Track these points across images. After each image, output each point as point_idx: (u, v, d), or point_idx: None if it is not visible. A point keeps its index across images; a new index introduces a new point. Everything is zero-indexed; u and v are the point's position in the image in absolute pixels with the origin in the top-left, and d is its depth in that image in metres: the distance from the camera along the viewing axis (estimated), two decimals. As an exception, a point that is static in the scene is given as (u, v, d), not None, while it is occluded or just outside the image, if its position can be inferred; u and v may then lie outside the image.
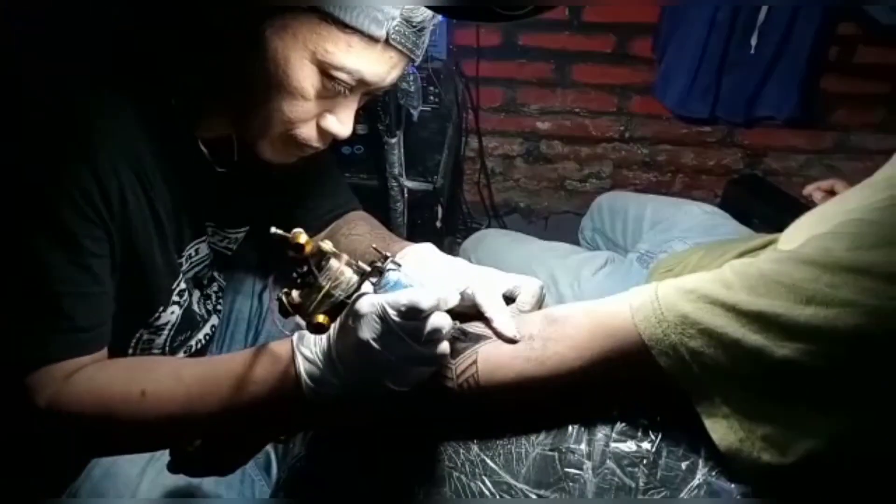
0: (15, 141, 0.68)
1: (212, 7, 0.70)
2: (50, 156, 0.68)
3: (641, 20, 1.96)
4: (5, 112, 0.70)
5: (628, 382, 0.66)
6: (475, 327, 0.74)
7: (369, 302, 0.62)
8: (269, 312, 1.26)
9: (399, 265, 0.64)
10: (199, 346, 1.04)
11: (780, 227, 1.57)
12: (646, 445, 0.64)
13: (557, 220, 2.41)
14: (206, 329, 1.07)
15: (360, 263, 0.63)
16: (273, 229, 0.60)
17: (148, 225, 0.79)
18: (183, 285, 0.92)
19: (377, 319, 0.62)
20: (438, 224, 1.62)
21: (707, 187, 2.28)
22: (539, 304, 0.77)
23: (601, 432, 0.66)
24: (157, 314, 0.88)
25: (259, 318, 1.25)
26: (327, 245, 0.62)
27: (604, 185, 2.30)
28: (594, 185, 2.32)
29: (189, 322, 0.98)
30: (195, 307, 1.02)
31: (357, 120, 0.84)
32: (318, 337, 0.68)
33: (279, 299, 0.63)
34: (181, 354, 1.01)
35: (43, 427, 0.73)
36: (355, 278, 0.63)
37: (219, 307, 1.12)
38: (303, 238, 0.60)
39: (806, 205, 1.89)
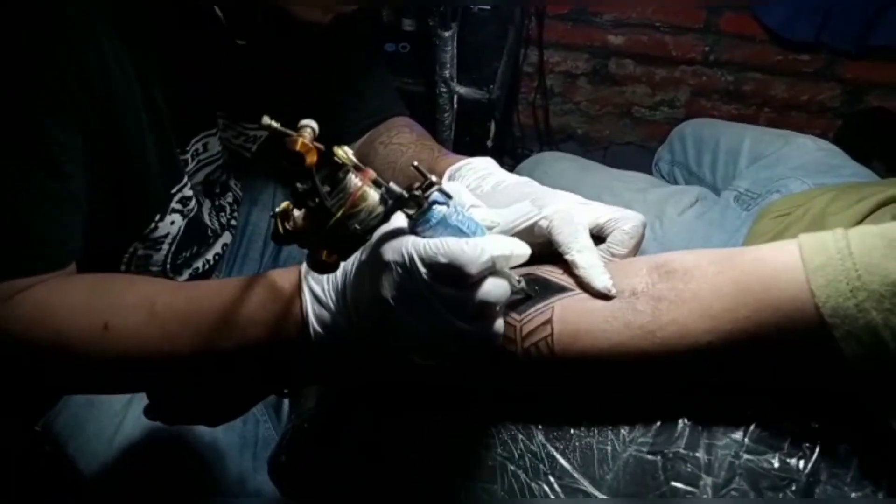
0: None
1: None
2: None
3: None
4: None
5: (778, 368, 0.45)
6: (550, 272, 0.54)
7: (395, 247, 0.44)
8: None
9: (449, 196, 0.44)
10: (206, 266, 0.87)
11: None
12: (795, 462, 0.44)
13: (618, 151, 2.16)
14: (217, 247, 0.90)
15: (392, 185, 0.43)
16: (265, 119, 0.40)
17: (139, 108, 0.61)
18: (188, 191, 0.74)
19: (402, 274, 0.43)
20: (489, 143, 1.40)
21: (796, 125, 1.99)
22: (638, 247, 0.56)
23: (728, 437, 0.46)
24: (153, 224, 0.71)
25: (278, 235, 1.07)
26: (343, 152, 0.42)
27: (676, 114, 2.03)
28: (665, 114, 2.05)
29: (196, 236, 0.81)
30: (205, 219, 0.84)
31: (404, 13, 0.62)
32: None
33: (272, 218, 0.44)
34: (185, 276, 0.84)
35: None
36: (381, 207, 0.43)
37: (233, 222, 0.95)
38: (304, 142, 0.39)
39: None
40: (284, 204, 0.45)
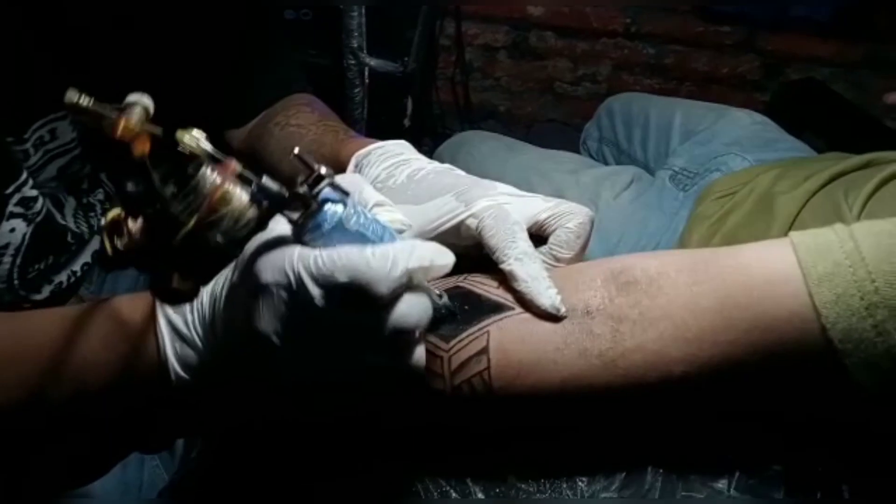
0: None
1: None
2: None
3: None
4: None
5: (771, 402, 0.36)
6: (483, 285, 0.43)
7: (274, 262, 0.32)
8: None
9: (346, 193, 0.32)
10: (72, 279, 0.72)
11: (833, 138, 1.30)
12: (791, 517, 0.35)
13: (541, 130, 2.08)
14: (86, 255, 0.75)
15: (267, 180, 0.31)
16: (69, 94, 0.27)
17: None
18: (30, 190, 0.59)
19: (287, 299, 0.31)
20: (406, 122, 1.29)
21: (717, 98, 1.96)
22: (585, 248, 0.47)
23: (710, 486, 0.37)
24: None
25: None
26: (191, 137, 0.29)
27: (599, 89, 1.98)
28: (588, 89, 1.99)
29: (50, 244, 0.67)
30: (64, 221, 0.68)
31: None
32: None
33: (100, 232, 0.31)
34: (45, 292, 0.70)
35: None
36: (253, 209, 0.31)
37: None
38: (129, 126, 0.27)
39: (865, 111, 1.62)
40: (114, 212, 0.32)
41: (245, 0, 0.72)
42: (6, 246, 0.60)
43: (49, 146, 0.62)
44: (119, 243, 0.31)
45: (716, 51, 1.89)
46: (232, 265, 0.36)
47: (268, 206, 0.31)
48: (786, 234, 0.36)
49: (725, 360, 0.34)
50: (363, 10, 1.07)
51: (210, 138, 0.32)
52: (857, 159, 0.75)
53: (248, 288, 0.33)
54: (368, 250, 0.32)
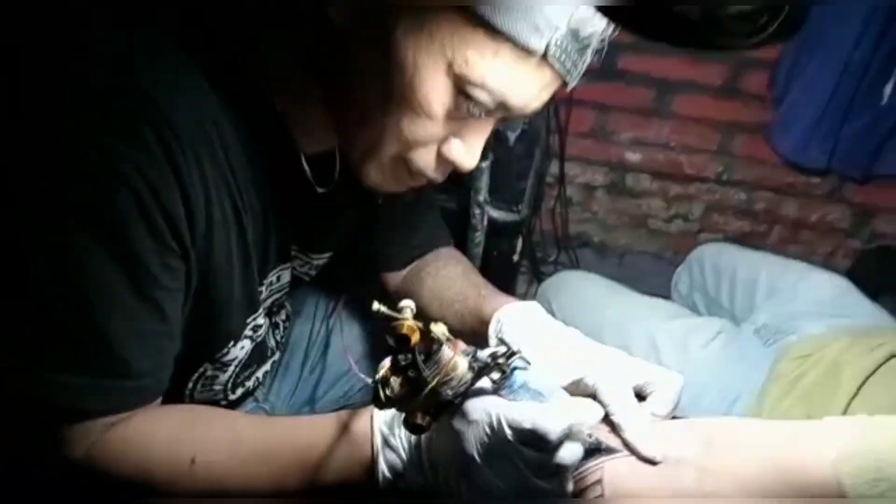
0: (80, 140, 0.52)
1: None
2: (127, 161, 0.52)
3: (758, 54, 1.77)
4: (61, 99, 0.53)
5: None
6: (599, 430, 0.59)
7: (483, 407, 0.49)
8: (332, 338, 1.12)
9: (528, 363, 0.50)
10: (255, 384, 0.91)
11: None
12: None
13: (633, 260, 2.23)
14: (268, 365, 0.94)
15: (479, 353, 0.49)
16: (376, 305, 0.46)
17: (233, 250, 0.65)
18: (261, 319, 0.79)
19: (489, 434, 0.48)
20: (516, 258, 1.48)
21: (806, 243, 2.07)
22: (676, 407, 0.61)
23: None
24: (226, 349, 0.75)
25: (319, 346, 1.12)
26: (439, 329, 0.48)
27: (691, 227, 2.12)
28: (680, 226, 2.13)
29: (258, 356, 0.85)
30: (266, 340, 0.89)
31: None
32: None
33: (375, 386, 0.49)
34: (239, 391, 0.88)
35: (75, 480, 0.62)
36: (470, 374, 0.48)
37: (284, 340, 0.99)
38: (410, 325, 0.46)
39: None
40: (383, 372, 0.50)
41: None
42: (234, 359, 0.79)
43: (273, 287, 0.83)
44: (388, 392, 0.49)
45: (805, 198, 2.00)
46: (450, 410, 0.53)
47: (479, 370, 0.49)
48: (849, 401, 0.50)
49: (770, 500, 0.48)
50: (489, 169, 1.29)
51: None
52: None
53: (460, 422, 0.50)
54: (546, 408, 0.49)
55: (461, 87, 0.56)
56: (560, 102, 1.87)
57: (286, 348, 1.08)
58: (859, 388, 0.83)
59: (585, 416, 0.50)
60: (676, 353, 1.02)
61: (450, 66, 0.55)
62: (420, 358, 0.48)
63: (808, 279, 1.15)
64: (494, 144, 1.30)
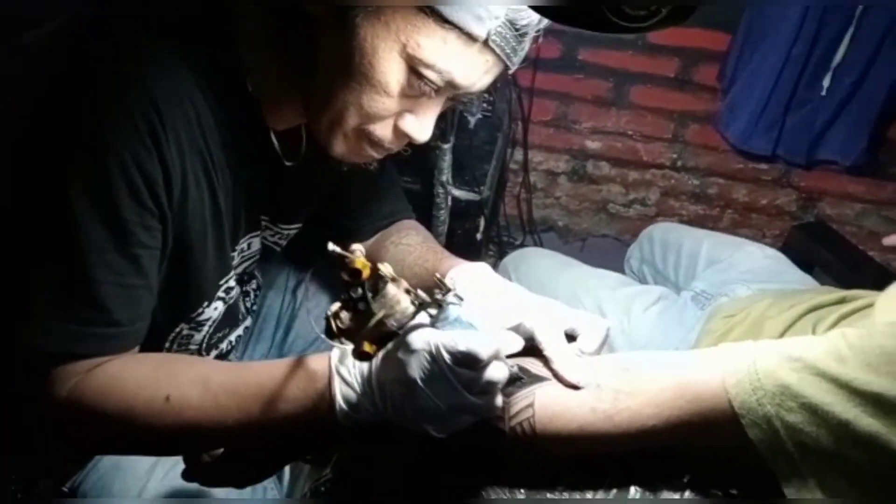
0: (76, 113, 0.61)
1: None
2: (108, 127, 0.61)
3: (709, 46, 1.88)
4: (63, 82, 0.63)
5: (705, 447, 0.59)
6: (532, 364, 0.67)
7: (423, 338, 0.57)
8: (300, 310, 1.20)
9: (461, 299, 0.58)
10: (229, 347, 0.98)
11: (842, 278, 1.50)
12: (719, 522, 0.57)
13: (595, 243, 2.33)
14: (240, 330, 1.01)
15: (420, 292, 0.57)
16: (331, 246, 0.54)
17: (206, 215, 0.73)
18: (232, 282, 0.86)
19: (429, 359, 0.56)
20: (479, 236, 1.56)
21: (756, 226, 2.19)
22: (603, 346, 0.70)
23: (668, 497, 0.59)
24: (200, 309, 0.82)
25: (290, 316, 1.19)
26: (386, 269, 0.56)
27: (648, 212, 2.22)
28: (638, 211, 2.24)
29: (230, 319, 0.92)
30: (238, 304, 0.96)
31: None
32: (360, 360, 0.62)
33: (326, 319, 0.57)
34: (213, 353, 0.95)
35: (57, 420, 0.68)
36: (412, 308, 0.56)
37: (254, 307, 1.07)
38: (361, 261, 0.53)
39: (868, 256, 1.81)
40: (335, 306, 0.58)
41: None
42: (208, 319, 0.86)
43: (245, 254, 0.90)
44: (339, 324, 0.57)
45: (754, 184, 2.12)
46: (393, 342, 0.61)
47: (419, 306, 0.57)
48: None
49: (678, 417, 0.57)
50: (451, 151, 1.37)
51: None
52: (833, 295, 0.96)
53: (403, 352, 0.58)
54: (477, 334, 0.57)
55: (414, 68, 0.66)
56: (524, 92, 1.97)
57: (259, 316, 1.15)
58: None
59: (510, 342, 0.58)
60: (620, 317, 1.11)
61: (403, 49, 0.64)
62: (369, 295, 0.56)
63: (743, 251, 1.25)
64: (457, 128, 1.39)
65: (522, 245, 2.26)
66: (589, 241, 2.34)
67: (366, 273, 0.54)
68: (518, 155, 2.15)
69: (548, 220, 2.33)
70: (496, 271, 0.81)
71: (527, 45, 0.70)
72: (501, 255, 2.16)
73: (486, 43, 0.65)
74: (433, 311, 0.58)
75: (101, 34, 0.65)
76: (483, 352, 0.55)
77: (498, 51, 0.66)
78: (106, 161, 0.61)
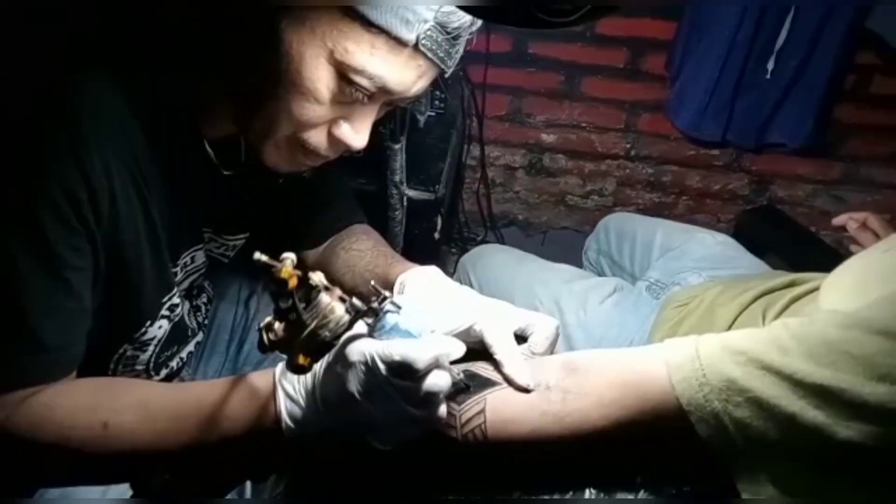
0: None
1: None
2: (28, 148, 0.59)
3: (656, 36, 1.89)
4: None
5: (657, 445, 0.58)
6: (482, 369, 0.66)
7: (358, 349, 0.55)
8: (253, 322, 1.17)
9: (399, 307, 0.56)
10: (179, 364, 0.95)
11: (794, 260, 1.53)
12: (673, 519, 0.56)
13: (555, 236, 2.34)
14: (191, 346, 0.98)
15: (355, 300, 0.55)
16: (257, 255, 0.52)
17: (140, 232, 0.70)
18: (176, 299, 0.83)
19: (365, 371, 0.55)
20: (437, 235, 1.55)
21: (711, 211, 2.22)
22: (553, 345, 0.70)
23: (622, 498, 0.58)
24: (143, 329, 0.79)
25: (244, 328, 1.16)
26: (317, 278, 0.54)
27: (606, 202, 2.24)
28: (596, 202, 2.25)
29: (178, 337, 0.89)
30: (186, 320, 0.93)
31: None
32: (302, 374, 0.60)
33: (259, 331, 0.55)
34: (163, 372, 0.92)
35: None
36: (346, 318, 0.54)
37: (206, 321, 1.04)
38: (287, 271, 0.51)
39: (818, 237, 1.85)
40: (268, 319, 0.56)
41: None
42: (153, 339, 0.83)
43: (189, 268, 0.88)
44: (271, 336, 0.55)
45: (707, 170, 2.15)
46: (329, 353, 0.59)
47: (354, 315, 0.55)
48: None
49: (626, 417, 0.56)
50: (404, 153, 1.35)
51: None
52: (782, 279, 0.98)
53: (341, 365, 0.56)
54: (412, 342, 0.55)
55: (343, 73, 0.64)
56: (476, 88, 1.95)
57: (211, 329, 1.12)
58: (730, 327, 0.93)
59: (450, 348, 0.57)
60: (576, 310, 1.11)
61: (331, 55, 0.62)
62: (301, 305, 0.54)
63: (695, 238, 1.26)
64: (408, 127, 1.37)
65: (484, 241, 2.25)
66: (549, 234, 2.35)
67: (292, 283, 0.52)
68: (475, 151, 2.14)
69: (508, 214, 2.33)
70: (456, 269, 0.80)
71: (460, 48, 0.68)
72: (463, 251, 2.14)
73: (416, 47, 0.63)
74: (369, 320, 0.56)
75: (16, 59, 0.62)
76: (420, 360, 0.53)
77: (430, 55, 0.65)
78: (26, 184, 0.59)
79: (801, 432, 0.50)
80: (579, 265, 1.50)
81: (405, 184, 1.38)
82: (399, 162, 1.33)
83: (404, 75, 0.65)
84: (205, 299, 1.05)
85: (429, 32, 0.62)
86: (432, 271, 0.81)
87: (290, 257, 0.54)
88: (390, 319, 0.55)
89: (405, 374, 0.54)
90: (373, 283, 0.59)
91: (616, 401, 0.57)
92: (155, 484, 0.71)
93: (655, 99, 1.99)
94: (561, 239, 2.31)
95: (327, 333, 0.55)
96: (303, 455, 0.66)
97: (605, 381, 0.58)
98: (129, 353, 0.82)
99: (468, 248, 2.24)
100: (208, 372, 1.12)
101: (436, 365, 0.55)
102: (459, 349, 0.58)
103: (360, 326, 0.57)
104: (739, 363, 0.53)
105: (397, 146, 1.31)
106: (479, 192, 2.23)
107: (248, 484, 1.03)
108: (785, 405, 0.50)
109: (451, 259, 2.12)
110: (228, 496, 0.82)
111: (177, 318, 0.86)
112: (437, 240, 1.57)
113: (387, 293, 0.57)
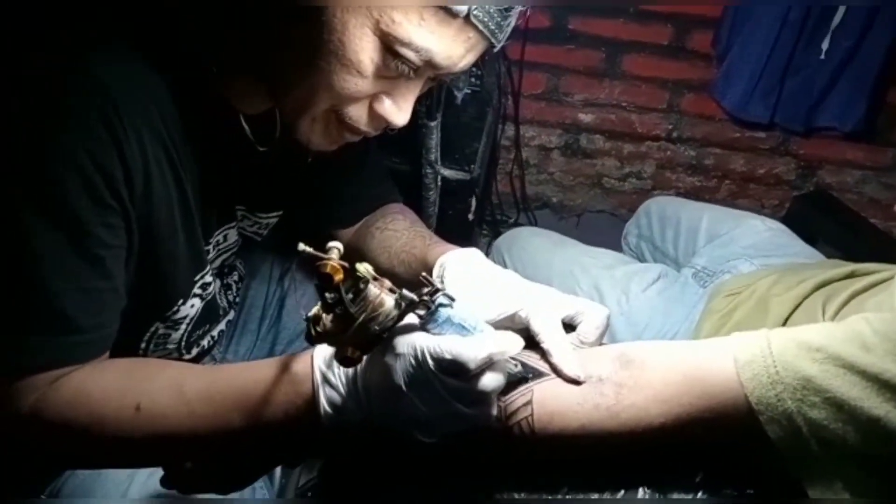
0: (17, 108, 0.56)
1: None
2: (66, 133, 0.56)
3: (703, 12, 1.82)
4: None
5: (720, 445, 0.54)
6: (529, 358, 0.63)
7: (409, 341, 0.52)
8: (287, 300, 1.15)
9: (452, 299, 0.53)
10: (210, 343, 0.94)
11: (847, 249, 1.46)
12: (734, 525, 0.53)
13: (590, 219, 2.28)
14: (222, 324, 0.96)
15: (405, 292, 0.51)
16: (301, 246, 0.49)
17: (174, 209, 0.68)
18: (208, 277, 0.81)
19: (413, 364, 0.52)
20: (471, 216, 1.51)
21: (755, 196, 2.14)
22: (603, 335, 0.66)
23: (679, 498, 0.54)
24: (175, 307, 0.77)
25: (276, 307, 1.14)
26: (365, 268, 0.50)
27: (644, 185, 2.17)
28: (633, 184, 2.19)
29: (210, 315, 0.87)
30: (218, 299, 0.91)
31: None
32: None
33: (306, 321, 0.52)
34: (194, 351, 0.90)
35: (20, 436, 0.63)
36: (396, 311, 0.51)
37: (237, 299, 1.02)
38: (332, 265, 0.48)
39: (874, 226, 1.77)
40: (315, 310, 0.53)
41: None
42: (185, 317, 0.81)
43: (221, 247, 0.85)
44: (318, 329, 0.52)
45: (752, 153, 2.07)
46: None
47: (405, 307, 0.52)
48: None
49: (687, 414, 0.53)
50: (439, 131, 1.31)
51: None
52: (841, 270, 0.92)
53: (390, 355, 0.53)
54: (466, 340, 0.52)
55: (389, 46, 0.60)
56: (513, 66, 1.90)
57: (242, 308, 1.10)
58: (786, 320, 0.88)
59: (506, 346, 0.54)
60: (618, 298, 1.07)
61: (377, 25, 0.58)
62: (348, 297, 0.50)
63: (744, 224, 1.20)
64: (444, 104, 1.33)
65: (517, 223, 2.21)
66: (584, 217, 2.29)
67: (338, 277, 0.49)
68: (509, 130, 2.09)
69: (542, 196, 2.28)
70: (489, 252, 0.76)
71: (513, 20, 0.64)
72: (496, 233, 2.11)
73: (467, 19, 0.58)
74: (421, 313, 0.53)
75: (45, 37, 0.59)
76: (472, 360, 0.50)
77: (481, 27, 0.60)
78: (57, 163, 0.56)
79: (884, 437, 0.45)
80: (616, 249, 1.45)
81: (440, 163, 1.34)
82: (434, 140, 1.29)
83: (453, 49, 0.61)
84: (236, 277, 1.03)
85: (481, 3, 0.58)
86: (473, 253, 0.77)
87: (336, 247, 0.51)
88: (443, 313, 0.52)
89: (456, 372, 0.51)
90: (423, 274, 0.55)
91: (676, 397, 0.53)
92: (185, 468, 0.69)
93: (700, 78, 1.91)
94: (595, 222, 2.25)
95: (377, 327, 0.51)
96: (339, 442, 0.63)
97: (665, 375, 0.54)
98: (160, 331, 0.80)
99: (500, 231, 2.21)
100: (239, 351, 1.11)
101: (489, 364, 0.52)
102: (517, 345, 0.55)
103: (412, 317, 0.54)
104: (817, 360, 0.48)
105: (433, 123, 1.27)
106: (512, 174, 2.18)
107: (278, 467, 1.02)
108: (868, 407, 0.46)
109: (482, 242, 2.08)
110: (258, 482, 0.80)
111: (209, 297, 0.84)
112: (470, 221, 1.53)
113: (439, 285, 0.54)
